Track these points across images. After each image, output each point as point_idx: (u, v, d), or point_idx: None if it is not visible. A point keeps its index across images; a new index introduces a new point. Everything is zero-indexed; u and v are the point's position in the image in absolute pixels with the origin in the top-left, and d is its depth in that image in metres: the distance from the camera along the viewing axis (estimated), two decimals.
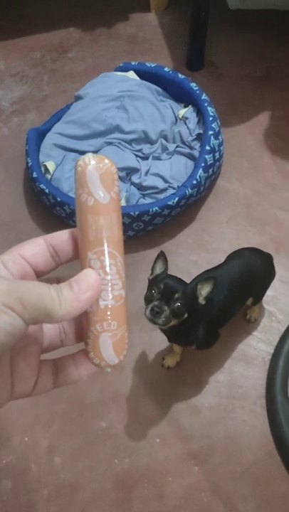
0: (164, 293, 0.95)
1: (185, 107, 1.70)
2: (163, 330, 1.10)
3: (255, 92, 1.89)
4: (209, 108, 1.58)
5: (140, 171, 1.56)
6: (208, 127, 1.54)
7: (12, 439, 1.25)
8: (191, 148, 1.62)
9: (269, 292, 1.32)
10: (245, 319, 1.37)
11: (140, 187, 1.54)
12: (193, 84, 1.64)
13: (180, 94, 1.69)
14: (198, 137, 1.62)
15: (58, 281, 0.41)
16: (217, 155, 1.53)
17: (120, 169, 1.53)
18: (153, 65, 1.71)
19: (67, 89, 1.92)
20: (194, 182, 1.46)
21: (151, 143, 1.62)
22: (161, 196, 1.51)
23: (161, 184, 1.54)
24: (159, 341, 1.33)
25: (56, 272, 0.43)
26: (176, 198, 1.43)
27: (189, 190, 1.44)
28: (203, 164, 1.48)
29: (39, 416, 1.27)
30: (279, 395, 1.22)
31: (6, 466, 1.22)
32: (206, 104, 1.59)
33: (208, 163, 1.49)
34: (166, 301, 0.95)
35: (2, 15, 2.22)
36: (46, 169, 1.56)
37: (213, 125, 1.54)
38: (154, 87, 1.69)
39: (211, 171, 1.52)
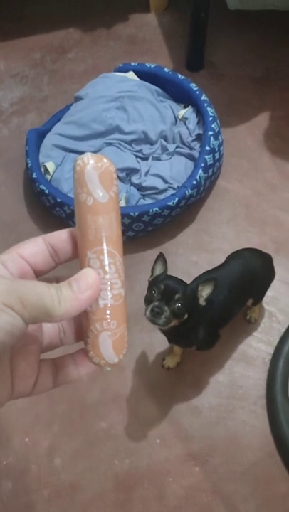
0: (164, 293, 0.95)
1: (185, 107, 1.70)
2: (163, 331, 1.10)
3: (255, 92, 1.89)
4: (209, 108, 1.58)
5: (140, 171, 1.56)
6: (208, 128, 1.54)
7: (12, 439, 1.25)
8: (190, 148, 1.62)
9: (269, 293, 1.32)
10: (245, 320, 1.37)
11: (140, 187, 1.54)
12: (193, 85, 1.64)
13: (180, 95, 1.69)
14: (198, 138, 1.62)
15: (58, 280, 0.41)
16: (217, 155, 1.53)
17: (120, 170, 1.53)
18: (153, 66, 1.72)
19: (67, 90, 1.92)
20: (194, 182, 1.46)
21: (151, 143, 1.62)
22: (161, 197, 1.51)
23: (161, 185, 1.54)
24: (159, 342, 1.33)
25: (55, 271, 0.43)
26: (176, 199, 1.43)
27: (189, 190, 1.44)
28: (203, 165, 1.48)
29: (39, 417, 1.27)
30: (279, 396, 1.21)
31: (6, 466, 1.21)
32: (205, 105, 1.59)
33: (208, 163, 1.49)
34: (167, 301, 0.95)
35: (2, 15, 2.22)
36: (46, 170, 1.56)
37: (212, 125, 1.54)
38: (153, 87, 1.69)
39: (210, 171, 1.52)
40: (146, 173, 1.56)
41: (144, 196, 1.54)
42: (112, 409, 1.28)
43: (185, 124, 1.66)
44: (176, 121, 1.69)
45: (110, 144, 1.61)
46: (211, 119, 1.55)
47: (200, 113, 1.63)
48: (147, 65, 1.72)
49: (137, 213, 1.40)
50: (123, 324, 0.40)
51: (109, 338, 0.39)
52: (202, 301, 1.00)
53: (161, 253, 1.04)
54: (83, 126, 1.61)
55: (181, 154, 1.63)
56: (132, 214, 1.40)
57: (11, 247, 0.40)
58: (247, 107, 1.84)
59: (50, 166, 1.56)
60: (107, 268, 0.38)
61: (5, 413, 1.28)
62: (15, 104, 1.93)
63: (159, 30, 2.14)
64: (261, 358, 1.33)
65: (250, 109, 1.84)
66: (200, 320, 1.08)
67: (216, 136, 1.54)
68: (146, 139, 1.61)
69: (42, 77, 2.01)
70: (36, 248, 0.40)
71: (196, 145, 1.61)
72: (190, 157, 1.61)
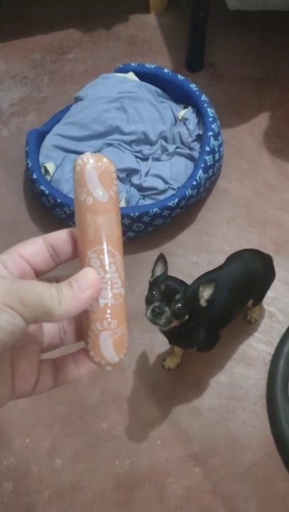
0: (164, 294, 0.95)
1: (185, 108, 1.70)
2: (164, 332, 1.10)
3: (254, 92, 1.89)
4: (209, 109, 1.58)
5: (140, 172, 1.56)
6: (207, 128, 1.54)
7: (13, 440, 1.25)
8: (190, 149, 1.62)
9: (269, 293, 1.32)
10: (245, 320, 1.37)
11: (140, 188, 1.55)
12: (192, 85, 1.64)
13: (180, 95, 1.70)
14: (198, 138, 1.62)
15: (58, 280, 0.41)
16: (217, 156, 1.53)
17: (120, 170, 1.53)
18: (153, 66, 1.72)
19: (67, 91, 1.93)
20: (194, 183, 1.46)
21: (151, 144, 1.62)
22: (161, 197, 1.51)
23: (161, 185, 1.54)
24: (159, 343, 1.33)
25: (55, 271, 0.43)
26: (176, 199, 1.43)
27: (189, 191, 1.44)
28: (203, 165, 1.48)
29: (40, 418, 1.27)
30: (279, 396, 1.22)
31: (6, 467, 1.21)
32: (205, 105, 1.59)
33: (208, 164, 1.49)
34: (167, 302, 0.95)
35: (2, 16, 2.22)
36: (46, 170, 1.56)
37: (212, 126, 1.54)
38: (153, 88, 1.69)
39: (210, 171, 1.52)
40: (147, 174, 1.56)
41: (144, 197, 1.54)
42: (112, 410, 1.28)
43: (185, 125, 1.66)
44: (176, 121, 1.69)
45: (110, 145, 1.61)
46: (210, 119, 1.55)
47: (200, 113, 1.63)
48: (147, 65, 1.73)
49: (137, 214, 1.40)
50: (123, 324, 0.40)
51: (110, 338, 0.39)
52: (203, 302, 1.00)
53: (161, 254, 1.04)
54: (83, 127, 1.61)
55: (181, 155, 1.63)
56: (132, 214, 1.40)
57: (11, 247, 0.40)
58: (247, 108, 1.84)
59: (50, 167, 1.56)
60: (107, 267, 0.38)
61: (5, 414, 1.28)
62: (15, 105, 1.93)
63: (158, 31, 2.14)
64: (261, 358, 1.33)
65: (250, 110, 1.84)
66: (201, 321, 1.08)
67: (216, 136, 1.54)
68: (146, 140, 1.61)
69: (42, 77, 2.02)
70: (36, 248, 0.40)
71: (196, 145, 1.61)
72: (190, 158, 1.61)
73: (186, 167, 1.59)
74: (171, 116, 1.68)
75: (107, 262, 0.38)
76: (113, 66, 1.79)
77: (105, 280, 0.38)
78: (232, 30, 2.10)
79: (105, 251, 0.38)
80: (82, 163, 0.38)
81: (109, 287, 0.38)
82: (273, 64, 1.97)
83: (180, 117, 1.68)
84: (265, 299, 1.33)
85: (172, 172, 1.57)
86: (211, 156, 1.50)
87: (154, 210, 1.41)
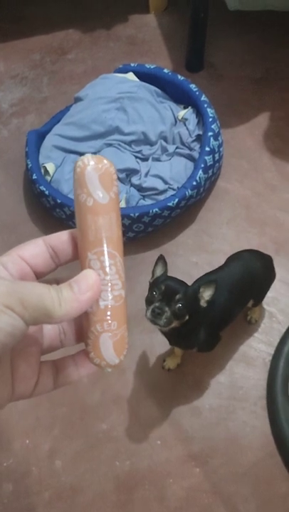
0: (165, 294, 0.95)
1: (184, 108, 1.70)
2: (164, 332, 1.10)
3: (254, 93, 1.89)
4: (209, 109, 1.58)
5: (140, 172, 1.56)
6: (207, 128, 1.54)
7: (13, 442, 1.25)
8: (190, 149, 1.62)
9: (269, 293, 1.31)
10: (245, 320, 1.37)
11: (140, 188, 1.54)
12: (192, 86, 1.64)
13: (179, 96, 1.70)
14: (198, 138, 1.62)
15: (58, 282, 0.41)
16: (217, 156, 1.53)
17: (120, 171, 1.53)
18: (152, 67, 1.72)
19: (67, 91, 1.92)
20: (194, 183, 1.46)
21: (151, 144, 1.62)
22: (161, 197, 1.51)
23: (161, 185, 1.54)
24: (159, 343, 1.33)
25: (55, 273, 0.43)
26: (176, 199, 1.43)
27: (189, 191, 1.44)
28: (202, 165, 1.48)
29: (40, 419, 1.27)
30: (279, 396, 1.22)
31: (6, 469, 1.21)
32: (205, 106, 1.59)
33: (208, 164, 1.49)
34: (168, 302, 0.95)
35: (1, 16, 2.22)
36: (46, 171, 1.56)
37: (212, 126, 1.54)
38: (153, 88, 1.69)
39: (210, 172, 1.52)
40: (146, 174, 1.56)
41: (144, 197, 1.54)
42: (112, 411, 1.28)
43: (185, 125, 1.66)
44: (175, 122, 1.69)
45: (110, 145, 1.61)
46: (210, 119, 1.55)
47: (200, 114, 1.63)
48: (147, 65, 1.73)
49: (137, 214, 1.40)
50: (124, 325, 0.40)
51: (110, 339, 0.39)
52: (203, 303, 1.00)
53: (161, 255, 1.04)
54: (83, 127, 1.61)
55: (181, 155, 1.63)
56: (132, 215, 1.40)
57: (11, 249, 0.40)
58: (247, 108, 1.84)
59: (50, 167, 1.56)
60: (107, 269, 0.38)
61: (6, 415, 1.28)
62: (15, 105, 1.93)
63: (158, 31, 2.14)
64: (262, 358, 1.33)
65: (250, 110, 1.84)
66: (201, 321, 1.08)
67: (216, 136, 1.54)
68: (146, 140, 1.61)
69: (42, 78, 2.02)
70: (37, 250, 0.40)
71: (196, 146, 1.61)
72: (190, 158, 1.61)
73: (186, 167, 1.59)
74: (171, 117, 1.68)
75: (107, 263, 0.38)
76: (113, 66, 1.79)
77: (105, 282, 0.38)
78: (232, 31, 2.10)
79: (106, 252, 0.38)
80: (82, 164, 0.38)
81: (110, 289, 0.38)
82: (273, 64, 1.97)
83: (180, 117, 1.68)
84: (265, 299, 1.33)
85: (172, 172, 1.57)
86: (211, 156, 1.50)
87: (154, 210, 1.41)
